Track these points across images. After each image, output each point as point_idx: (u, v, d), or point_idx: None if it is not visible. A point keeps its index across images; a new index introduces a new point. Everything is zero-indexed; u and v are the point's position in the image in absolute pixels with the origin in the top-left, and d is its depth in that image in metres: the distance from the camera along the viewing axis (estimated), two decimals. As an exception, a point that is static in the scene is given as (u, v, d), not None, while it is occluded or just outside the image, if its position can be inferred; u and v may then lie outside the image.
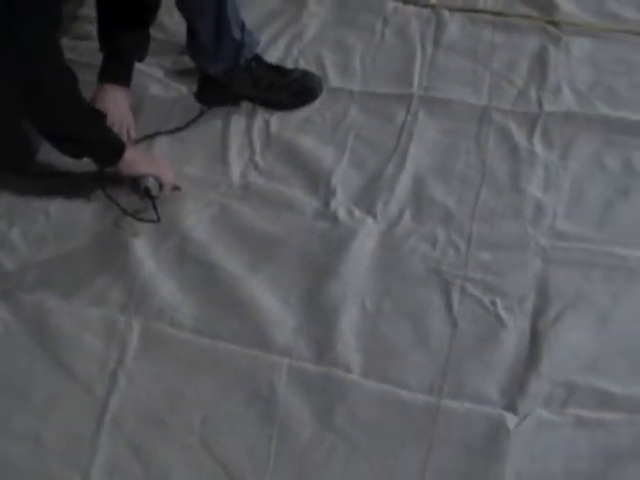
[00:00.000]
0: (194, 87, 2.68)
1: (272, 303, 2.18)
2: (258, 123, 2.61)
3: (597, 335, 2.13)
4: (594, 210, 2.38)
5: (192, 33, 2.50)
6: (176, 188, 2.39)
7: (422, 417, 1.99)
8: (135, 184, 2.30)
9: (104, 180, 2.38)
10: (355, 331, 2.13)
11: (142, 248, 2.29)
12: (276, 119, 2.62)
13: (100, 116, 2.25)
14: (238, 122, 2.61)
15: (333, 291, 2.20)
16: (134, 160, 2.27)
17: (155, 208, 2.31)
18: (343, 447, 1.95)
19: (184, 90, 2.69)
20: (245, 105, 2.65)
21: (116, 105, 2.45)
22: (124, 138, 2.42)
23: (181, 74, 2.72)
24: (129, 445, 1.96)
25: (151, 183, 2.29)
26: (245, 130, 2.59)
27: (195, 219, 2.34)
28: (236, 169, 2.48)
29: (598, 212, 2.38)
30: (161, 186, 2.31)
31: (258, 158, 2.51)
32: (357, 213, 2.36)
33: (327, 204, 2.38)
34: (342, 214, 2.35)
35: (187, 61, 2.67)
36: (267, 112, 2.63)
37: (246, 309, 2.17)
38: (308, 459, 1.94)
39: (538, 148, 2.52)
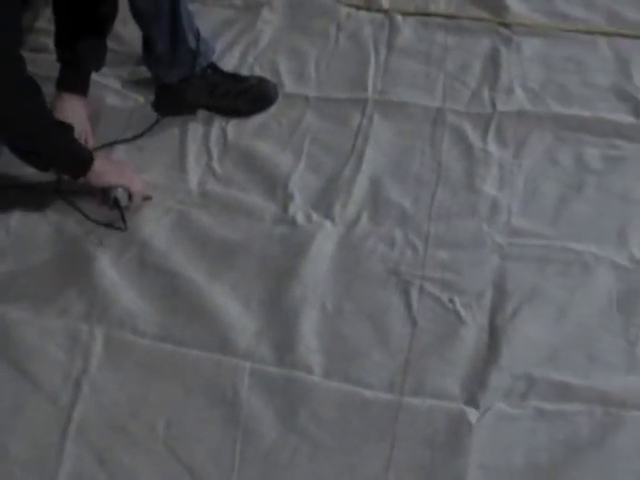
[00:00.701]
0: (151, 97, 2.69)
1: (233, 308, 2.20)
2: (215, 131, 2.63)
3: (554, 328, 2.16)
4: (548, 206, 2.42)
5: (148, 42, 2.52)
6: (147, 198, 2.40)
7: (384, 415, 2.01)
8: (105, 195, 2.31)
9: (64, 191, 2.40)
10: (316, 333, 2.15)
11: (103, 258, 2.30)
12: (233, 126, 2.64)
13: (67, 128, 2.25)
14: (195, 130, 2.63)
15: (293, 294, 2.22)
16: (103, 171, 2.28)
17: (123, 218, 2.32)
18: (307, 447, 1.97)
19: (141, 100, 2.71)
20: (202, 113, 2.67)
21: (74, 114, 2.45)
22: None
23: (138, 84, 2.74)
24: (94, 453, 1.96)
25: (120, 193, 2.30)
26: (202, 138, 2.61)
27: (155, 227, 2.36)
28: (194, 176, 2.50)
29: (552, 208, 2.42)
30: (130, 196, 2.32)
31: (216, 165, 2.53)
32: (315, 217, 2.39)
33: (285, 209, 2.41)
34: (300, 218, 2.38)
35: (144, 71, 2.69)
36: (224, 119, 2.65)
37: (208, 315, 2.18)
38: (273, 460, 1.95)
39: (492, 147, 2.56)
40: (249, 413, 2.01)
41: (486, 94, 2.71)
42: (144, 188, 2.38)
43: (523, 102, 2.69)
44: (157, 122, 2.63)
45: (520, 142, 2.58)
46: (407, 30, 2.92)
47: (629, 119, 2.65)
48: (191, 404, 2.04)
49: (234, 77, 2.67)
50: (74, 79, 2.51)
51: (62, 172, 2.32)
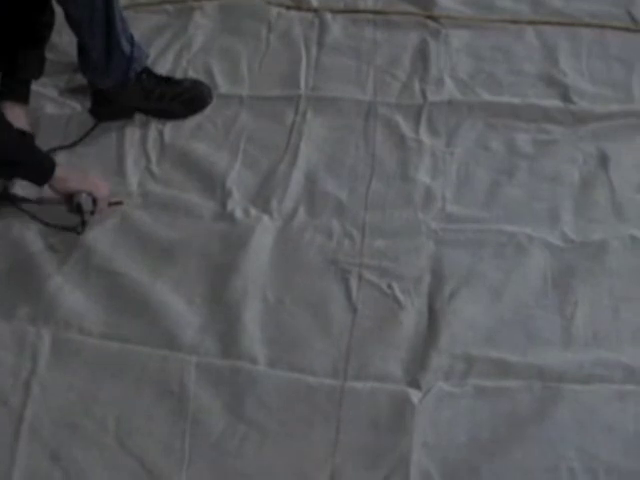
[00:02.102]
0: (88, 103, 2.71)
1: (177, 304, 2.23)
2: (152, 133, 2.66)
3: (491, 309, 2.22)
4: (481, 192, 2.48)
5: (82, 49, 2.54)
6: (118, 203, 2.44)
7: (328, 400, 2.06)
8: (69, 201, 2.33)
9: (12, 196, 2.43)
10: (259, 324, 2.19)
11: (48, 262, 2.32)
12: (169, 129, 2.67)
13: (28, 137, 2.30)
14: (133, 134, 2.66)
15: (235, 287, 2.26)
16: (66, 177, 2.30)
17: (83, 224, 2.35)
18: (255, 436, 2.01)
19: (78, 107, 2.73)
20: (139, 117, 2.70)
21: (18, 123, 2.45)
22: None
23: (75, 92, 2.75)
24: (47, 451, 1.99)
25: (84, 199, 2.32)
26: (140, 141, 2.64)
27: (98, 230, 2.38)
28: (133, 179, 2.53)
29: (485, 193, 2.48)
30: (95, 201, 2.34)
31: (154, 167, 2.56)
32: (253, 212, 2.43)
33: (224, 206, 2.45)
34: (239, 214, 2.42)
35: (80, 79, 2.71)
36: (160, 122, 2.69)
37: (152, 312, 2.22)
38: (222, 450, 1.99)
39: (424, 137, 2.61)
40: (197, 405, 2.05)
41: (416, 86, 2.77)
42: (108, 193, 2.40)
43: (453, 92, 2.75)
44: (95, 127, 2.65)
45: (452, 131, 2.63)
46: (337, 27, 2.96)
47: (558, 104, 2.72)
48: (140, 399, 2.07)
49: (168, 81, 2.70)
50: (14, 89, 2.52)
51: (26, 180, 2.33)
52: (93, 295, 2.26)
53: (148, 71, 2.66)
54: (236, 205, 2.44)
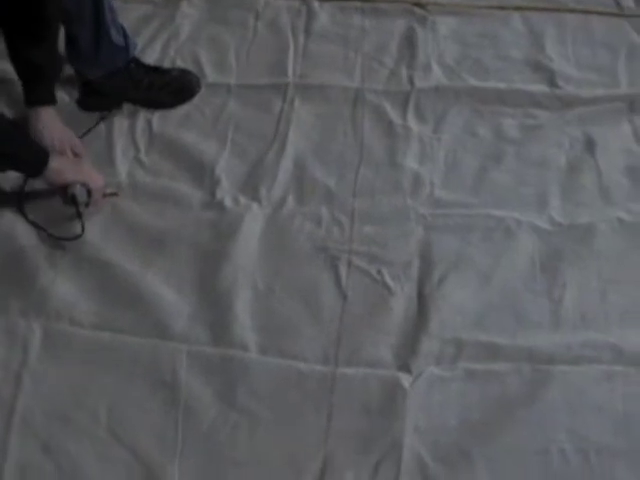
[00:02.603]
0: (76, 94, 2.72)
1: (167, 294, 2.24)
2: (140, 123, 2.66)
3: (481, 293, 2.24)
4: (469, 177, 2.50)
5: (71, 39, 2.54)
6: (112, 194, 2.44)
7: (320, 386, 2.07)
8: (63, 193, 2.33)
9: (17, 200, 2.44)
10: (249, 312, 2.20)
11: (38, 254, 2.33)
12: (158, 118, 2.68)
13: (19, 128, 2.29)
14: (121, 124, 2.66)
15: (225, 276, 2.26)
16: (60, 168, 2.29)
17: (79, 215, 2.35)
18: (247, 423, 2.02)
19: (66, 98, 2.73)
20: (127, 107, 2.70)
21: (55, 125, 2.46)
22: (69, 156, 2.44)
23: (63, 83, 2.73)
24: (39, 443, 1.99)
25: (78, 190, 2.32)
26: (128, 131, 2.64)
27: (88, 220, 2.38)
28: (122, 169, 2.53)
29: (473, 178, 2.49)
30: (89, 192, 2.34)
31: (143, 156, 2.56)
32: (242, 200, 2.44)
33: (213, 194, 2.45)
34: (228, 202, 2.43)
35: (68, 70, 2.70)
36: (149, 112, 2.69)
37: (143, 302, 2.22)
38: (214, 438, 2.00)
39: (412, 123, 2.62)
40: (188, 394, 2.06)
41: (404, 72, 2.78)
42: (103, 184, 2.40)
43: (440, 78, 2.76)
44: (98, 124, 2.67)
45: (439, 117, 2.65)
46: (324, 15, 2.98)
47: (544, 89, 2.74)
48: (131, 389, 2.08)
49: (156, 70, 2.71)
50: (39, 91, 2.48)
51: (19, 172, 2.34)
52: (84, 286, 2.26)
53: (136, 61, 2.66)
54: (225, 193, 2.45)
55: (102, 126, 2.66)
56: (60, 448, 1.99)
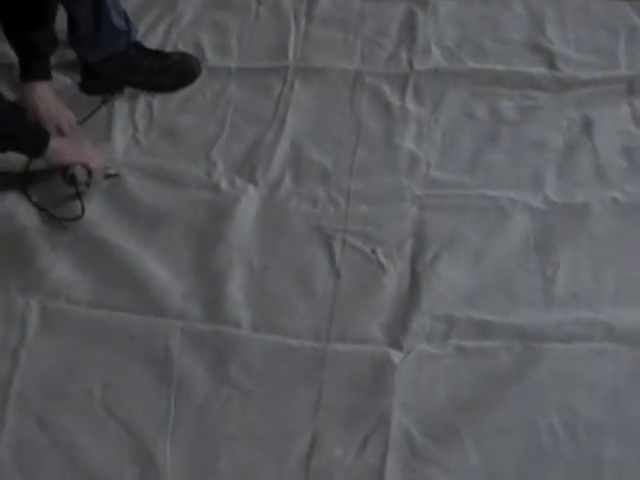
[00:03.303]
0: (78, 78, 2.76)
1: (163, 272, 2.27)
2: (141, 106, 2.70)
3: (473, 271, 2.25)
4: (465, 158, 2.51)
5: (72, 23, 2.59)
6: (114, 175, 2.48)
7: (311, 362, 2.09)
8: (64, 173, 2.37)
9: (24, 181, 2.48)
10: (243, 290, 2.23)
11: (38, 234, 2.37)
12: (158, 101, 2.72)
13: (19, 109, 2.33)
14: (121, 106, 2.71)
15: (220, 255, 2.29)
16: (60, 149, 2.33)
17: (79, 196, 2.39)
18: (238, 397, 2.04)
19: (68, 81, 2.77)
20: (128, 90, 2.74)
21: (48, 99, 2.53)
22: (66, 131, 2.51)
23: (65, 67, 2.79)
24: (35, 418, 2.02)
25: (78, 170, 2.36)
26: (128, 113, 2.68)
27: (86, 201, 2.42)
28: (119, 147, 2.58)
29: (469, 159, 2.51)
30: (90, 173, 2.38)
31: (141, 137, 2.60)
32: (239, 181, 2.47)
33: (209, 175, 2.49)
34: (224, 184, 2.46)
35: (70, 54, 2.75)
36: (149, 95, 2.73)
37: (139, 280, 2.25)
38: (206, 412, 2.02)
39: (410, 105, 2.65)
40: (181, 369, 2.08)
41: (403, 55, 2.80)
42: (103, 164, 2.44)
43: (439, 60, 2.78)
44: (100, 107, 2.71)
45: (437, 99, 2.67)
46: (325, 0, 2.98)
47: (543, 70, 2.75)
48: (125, 365, 2.11)
49: (157, 54, 2.75)
50: (34, 67, 2.54)
51: (20, 152, 2.37)
52: (81, 265, 2.30)
53: (137, 45, 2.70)
54: (221, 175, 2.48)
55: (103, 108, 2.70)
56: (55, 423, 2.02)
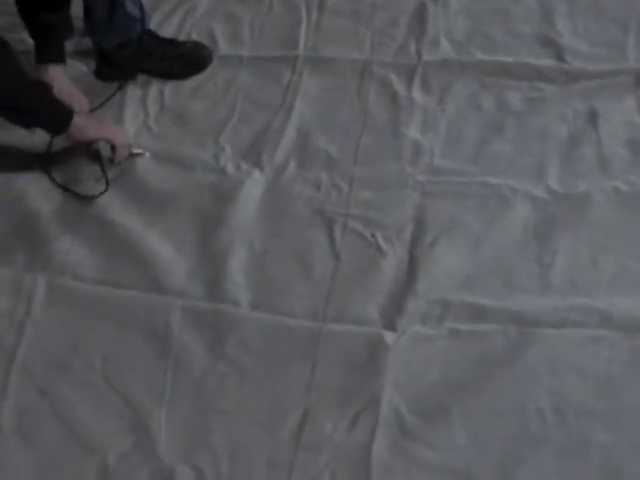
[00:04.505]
0: (93, 65, 2.83)
1: (166, 252, 2.33)
2: (153, 93, 2.77)
3: (471, 256, 2.28)
4: (469, 147, 2.54)
5: (87, 9, 2.67)
6: (139, 154, 2.54)
7: (306, 341, 2.13)
8: (88, 149, 2.44)
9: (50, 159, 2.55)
10: (244, 270, 2.28)
11: (46, 212, 2.44)
12: (170, 89, 2.78)
13: (43, 85, 2.38)
14: (134, 93, 2.78)
15: (222, 237, 2.34)
16: (84, 125, 2.40)
17: (103, 170, 2.46)
18: (235, 373, 2.09)
19: (84, 68, 2.85)
20: (141, 77, 2.81)
21: (63, 82, 2.61)
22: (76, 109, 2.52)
23: (81, 55, 2.87)
24: (37, 388, 2.09)
25: (102, 146, 2.44)
26: (140, 99, 2.75)
27: (93, 181, 2.49)
28: (130, 130, 2.64)
29: (473, 148, 2.53)
30: (114, 149, 2.44)
31: (152, 122, 2.67)
32: (244, 166, 2.52)
33: (216, 159, 2.54)
34: (230, 168, 2.51)
35: (86, 42, 2.83)
36: (161, 82, 2.80)
37: (143, 259, 2.31)
38: (202, 386, 2.07)
39: (417, 95, 2.68)
40: (180, 345, 2.14)
41: (412, 46, 2.84)
42: (127, 141, 2.51)
43: (448, 52, 2.81)
44: (115, 94, 2.78)
45: (444, 89, 2.70)
46: (338, -8, 3.03)
47: (551, 63, 2.76)
48: (127, 340, 2.17)
49: (170, 42, 2.81)
50: (49, 50, 2.62)
51: (44, 129, 2.42)
52: (89, 244, 2.36)
53: (150, 33, 2.76)
54: (228, 159, 2.53)
55: (116, 95, 2.77)
56: (56, 393, 2.08)
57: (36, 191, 2.48)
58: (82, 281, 2.28)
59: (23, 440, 2.01)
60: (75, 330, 2.19)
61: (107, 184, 2.45)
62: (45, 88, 2.39)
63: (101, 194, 2.44)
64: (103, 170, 2.45)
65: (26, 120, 2.36)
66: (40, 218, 2.42)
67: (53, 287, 2.27)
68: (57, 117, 2.36)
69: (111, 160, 2.46)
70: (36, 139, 2.52)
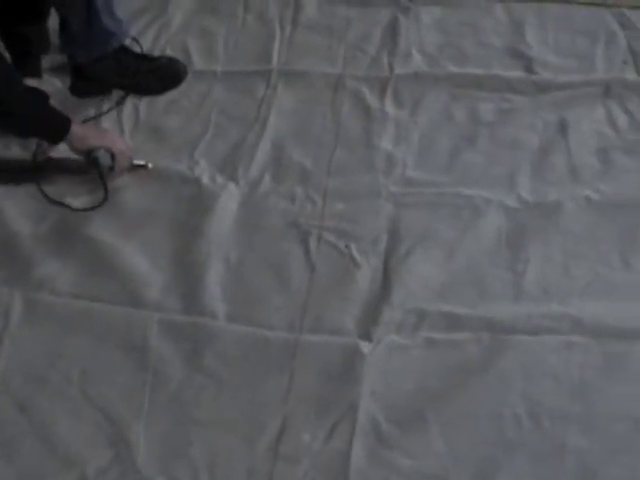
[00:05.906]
0: (69, 81, 2.83)
1: (143, 265, 2.33)
2: (127, 108, 2.78)
3: (445, 266, 2.30)
4: (442, 158, 2.57)
5: (63, 23, 2.67)
6: (142, 166, 2.55)
7: (283, 352, 2.14)
8: (87, 158, 2.42)
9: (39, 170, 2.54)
10: (220, 283, 2.29)
11: (23, 226, 2.44)
12: (145, 104, 2.79)
13: (39, 93, 2.35)
14: (109, 108, 2.78)
15: (199, 250, 2.35)
16: (83, 134, 2.39)
17: (102, 178, 2.44)
18: (212, 385, 2.10)
19: (59, 84, 2.85)
20: (116, 93, 2.82)
21: None
22: None
23: (56, 70, 2.87)
24: (15, 402, 2.08)
25: (102, 154, 2.42)
26: (116, 115, 2.76)
27: (70, 196, 2.50)
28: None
29: (446, 159, 2.57)
30: (113, 157, 2.43)
31: (127, 138, 2.67)
32: (220, 179, 2.53)
33: (192, 173, 2.56)
34: (206, 181, 2.53)
35: (61, 58, 2.84)
36: (136, 98, 2.81)
37: (120, 273, 2.31)
38: (180, 399, 2.08)
39: (389, 108, 2.71)
40: (158, 358, 2.14)
41: (385, 60, 2.88)
42: (127, 149, 2.51)
43: (420, 65, 2.85)
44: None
45: (416, 101, 2.73)
46: (311, 6, 3.09)
47: (521, 74, 2.82)
48: (104, 354, 2.17)
49: (145, 57, 2.83)
50: (28, 64, 2.65)
51: (41, 137, 2.43)
52: (65, 258, 2.35)
53: (125, 49, 2.77)
54: (203, 173, 2.55)
55: (91, 112, 2.78)
56: (35, 407, 2.08)
57: (14, 205, 2.48)
58: (59, 295, 2.28)
59: (2, 454, 2.00)
60: (53, 344, 2.19)
61: (106, 192, 2.45)
62: (41, 95, 2.36)
63: (101, 203, 2.46)
64: (102, 179, 2.44)
65: (24, 129, 2.37)
66: (17, 233, 2.42)
67: (30, 301, 2.27)
68: (55, 126, 2.35)
69: (111, 168, 2.45)
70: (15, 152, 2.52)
